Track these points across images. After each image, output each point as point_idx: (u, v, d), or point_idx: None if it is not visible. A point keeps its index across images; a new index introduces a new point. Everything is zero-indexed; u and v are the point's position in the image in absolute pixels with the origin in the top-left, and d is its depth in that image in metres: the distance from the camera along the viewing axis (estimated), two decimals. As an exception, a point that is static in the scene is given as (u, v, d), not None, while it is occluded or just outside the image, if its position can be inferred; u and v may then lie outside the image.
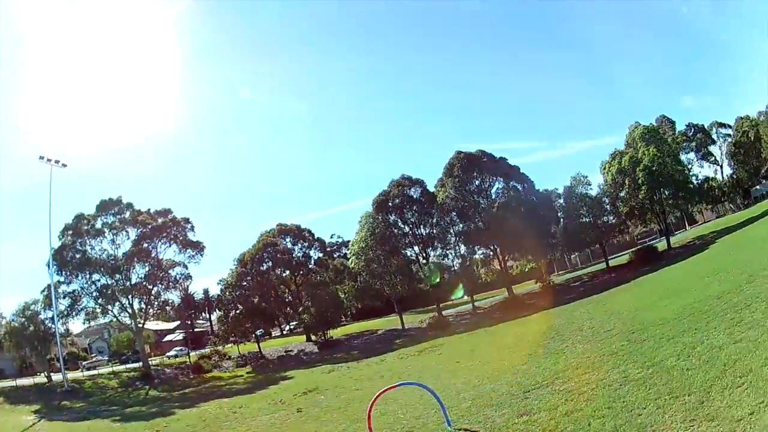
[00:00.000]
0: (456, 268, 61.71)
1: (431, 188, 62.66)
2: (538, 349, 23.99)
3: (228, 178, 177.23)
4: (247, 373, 53.74)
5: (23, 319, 60.78)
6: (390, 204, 60.74)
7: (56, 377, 55.95)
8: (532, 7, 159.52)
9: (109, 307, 62.70)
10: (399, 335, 57.60)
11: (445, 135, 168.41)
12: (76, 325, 67.08)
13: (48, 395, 49.82)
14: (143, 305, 64.71)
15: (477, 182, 61.06)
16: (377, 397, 14.90)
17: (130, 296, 61.93)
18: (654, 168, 60.44)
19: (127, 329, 68.95)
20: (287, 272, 67.17)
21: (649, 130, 65.69)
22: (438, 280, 59.99)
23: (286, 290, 68.22)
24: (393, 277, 58.70)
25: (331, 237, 77.28)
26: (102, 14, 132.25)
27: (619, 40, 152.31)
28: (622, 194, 63.80)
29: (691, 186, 65.78)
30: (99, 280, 61.68)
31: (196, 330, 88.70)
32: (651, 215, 64.85)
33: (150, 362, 64.76)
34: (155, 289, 64.95)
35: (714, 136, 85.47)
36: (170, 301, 69.01)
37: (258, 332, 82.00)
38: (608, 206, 63.73)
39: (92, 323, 66.42)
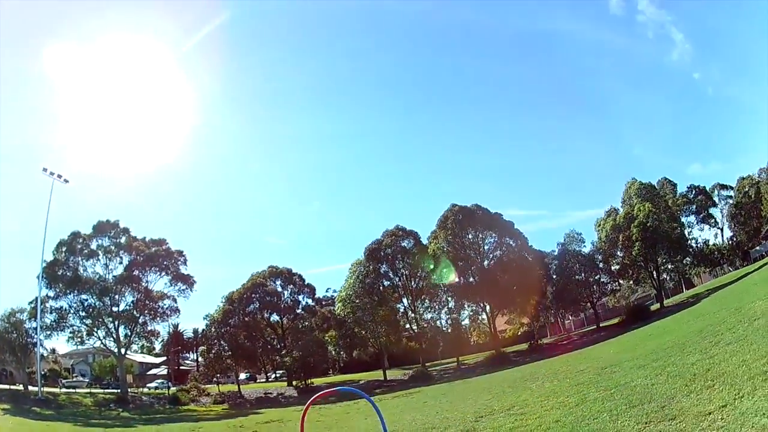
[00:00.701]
0: (445, 328, 59.40)
1: (425, 241, 60.53)
2: (506, 388, 24.27)
3: (227, 222, 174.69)
4: (223, 409, 52.24)
5: (7, 325, 59.16)
6: (382, 253, 59.14)
7: (34, 389, 54.70)
8: (540, 67, 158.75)
9: (95, 329, 61.05)
10: (380, 385, 55.73)
11: (443, 195, 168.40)
12: (62, 346, 67.20)
13: (21, 399, 49.52)
14: (128, 332, 62.86)
15: (470, 236, 59.14)
16: (313, 400, 13.26)
17: (116, 321, 60.32)
18: (648, 224, 58.76)
19: (110, 354, 66.81)
20: (274, 315, 65.06)
21: (646, 186, 64.34)
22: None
23: (272, 333, 66.02)
24: (378, 326, 56.56)
25: (326, 291, 75.25)
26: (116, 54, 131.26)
27: (629, 102, 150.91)
28: (616, 252, 61.24)
29: (689, 246, 63.26)
30: (87, 301, 60.23)
31: (181, 368, 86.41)
32: (645, 274, 62.23)
33: (129, 389, 62.57)
34: (142, 318, 62.93)
35: (715, 199, 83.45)
36: (156, 332, 66.18)
37: (243, 376, 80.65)
38: (601, 263, 61.39)
39: (77, 345, 64.39)
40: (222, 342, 61.11)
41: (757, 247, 76.24)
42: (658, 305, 59.26)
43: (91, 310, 59.53)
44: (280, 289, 64.98)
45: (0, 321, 58.86)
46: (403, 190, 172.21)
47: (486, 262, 59.07)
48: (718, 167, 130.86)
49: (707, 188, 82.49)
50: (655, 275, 63.25)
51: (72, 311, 59.29)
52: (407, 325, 58.87)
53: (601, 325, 60.84)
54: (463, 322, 62.85)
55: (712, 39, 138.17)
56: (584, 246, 62.27)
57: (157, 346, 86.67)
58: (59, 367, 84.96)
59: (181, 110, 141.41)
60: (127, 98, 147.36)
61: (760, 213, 76.78)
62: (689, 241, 66.14)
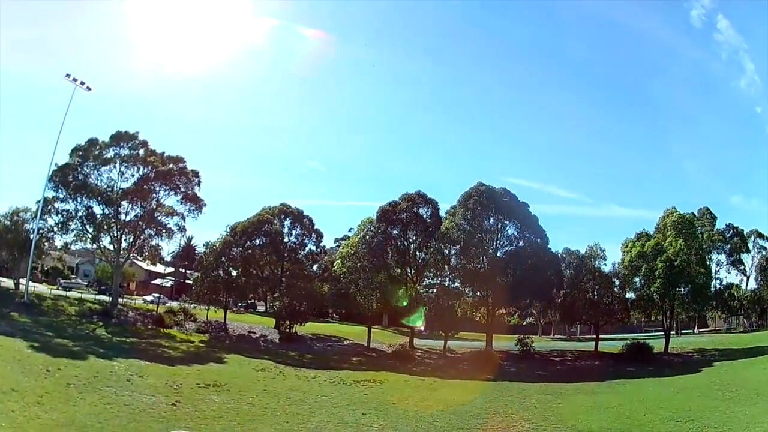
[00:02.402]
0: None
1: (444, 213, 55.29)
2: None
3: (256, 140, 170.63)
4: (200, 341, 48.97)
5: (8, 223, 58.90)
6: (395, 217, 53.93)
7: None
8: (609, 57, 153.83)
9: (100, 234, 60.32)
10: (360, 353, 51.91)
11: (471, 156, 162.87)
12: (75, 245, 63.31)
13: (3, 300, 48.96)
14: (129, 243, 61.43)
15: (491, 220, 53.46)
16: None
17: (121, 231, 59.06)
18: (676, 263, 52.98)
19: (106, 261, 64.24)
20: (273, 254, 60.64)
21: (684, 219, 57.73)
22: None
23: (270, 273, 61.73)
24: (373, 292, 51.76)
25: (336, 241, 70.30)
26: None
27: (688, 113, 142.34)
28: (635, 280, 55.27)
29: (710, 291, 57.23)
30: (91, 207, 59.09)
31: (187, 281, 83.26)
32: (658, 311, 56.38)
33: (122, 300, 62.27)
34: (147, 231, 61.73)
35: (750, 245, 77.28)
36: (159, 247, 65.51)
37: (243, 303, 77.37)
38: (617, 288, 55.46)
39: (81, 244, 62.79)
40: (218, 272, 56.78)
41: None
42: (662, 347, 54.03)
43: (95, 216, 58.61)
44: (287, 229, 60.14)
45: (2, 218, 58.74)
46: (431, 147, 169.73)
47: (499, 252, 53.39)
48: (760, 207, 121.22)
49: (745, 232, 75.42)
50: (668, 314, 57.46)
51: (77, 216, 58.28)
52: (405, 296, 53.24)
53: (599, 350, 55.38)
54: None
55: None
56: (604, 264, 56.23)
57: (168, 257, 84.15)
58: (63, 265, 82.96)
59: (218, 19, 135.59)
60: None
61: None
62: (713, 281, 59.52)
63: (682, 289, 54.70)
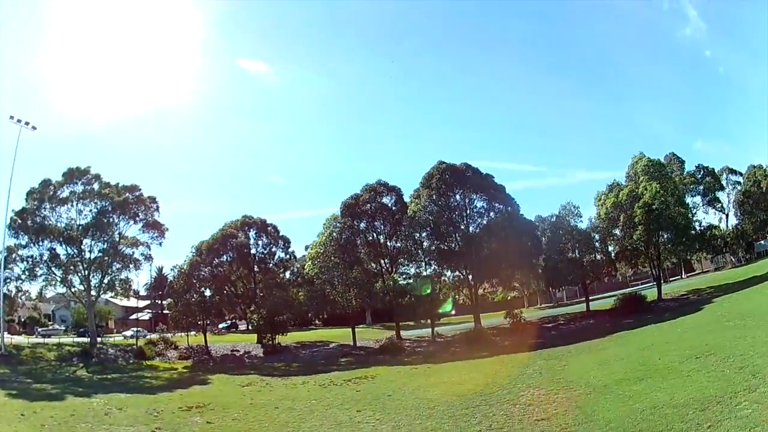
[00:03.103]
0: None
1: (408, 199, 51.50)
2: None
3: (214, 161, 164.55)
4: (184, 367, 45.77)
5: None
6: (359, 209, 50.13)
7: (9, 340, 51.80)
8: (551, 23, 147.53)
9: (69, 276, 57.07)
10: (348, 353, 48.50)
11: (433, 145, 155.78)
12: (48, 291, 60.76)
13: None
14: (99, 281, 57.91)
15: (458, 197, 49.85)
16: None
17: (87, 269, 55.86)
18: (654, 206, 50.35)
19: (79, 302, 60.58)
20: (242, 268, 56.46)
21: (654, 164, 55.10)
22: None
23: (242, 287, 57.58)
24: (348, 289, 47.85)
25: (306, 248, 66.15)
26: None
27: (640, 70, 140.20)
28: (615, 231, 51.74)
29: (693, 232, 53.88)
30: (54, 249, 55.74)
31: (164, 311, 78.93)
32: (644, 259, 52.88)
33: (102, 339, 58.98)
34: (115, 265, 58.10)
35: (723, 182, 75.86)
36: (129, 280, 61.13)
37: (223, 324, 73.39)
38: (598, 243, 51.97)
39: (52, 290, 60.53)
40: (190, 294, 52.73)
41: (762, 241, 70.56)
42: (656, 293, 51.20)
43: (60, 258, 55.48)
44: (253, 240, 56.14)
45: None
46: (389, 143, 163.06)
47: (471, 228, 49.81)
48: (723, 148, 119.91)
49: (716, 170, 73.00)
50: (655, 262, 54.76)
51: (42, 260, 55.18)
52: (383, 289, 49.32)
53: (591, 308, 52.53)
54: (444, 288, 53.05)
55: (725, 20, 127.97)
56: (581, 221, 52.89)
57: (141, 290, 79.91)
58: (39, 314, 78.95)
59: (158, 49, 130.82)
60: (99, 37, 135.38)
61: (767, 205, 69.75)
62: (693, 224, 56.14)
63: (665, 234, 52.35)
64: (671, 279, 68.44)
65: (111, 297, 68.24)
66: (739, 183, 76.36)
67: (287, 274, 56.31)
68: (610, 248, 53.94)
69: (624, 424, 13.74)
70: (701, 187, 70.49)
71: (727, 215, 76.94)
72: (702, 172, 70.99)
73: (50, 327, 74.07)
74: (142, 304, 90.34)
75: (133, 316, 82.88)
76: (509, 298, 72.45)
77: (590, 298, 54.59)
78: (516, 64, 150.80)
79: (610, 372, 21.84)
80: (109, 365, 45.94)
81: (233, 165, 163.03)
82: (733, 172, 77.98)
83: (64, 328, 73.33)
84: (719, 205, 73.99)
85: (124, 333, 67.60)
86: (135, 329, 67.64)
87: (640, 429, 13.21)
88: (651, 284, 54.99)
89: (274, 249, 55.96)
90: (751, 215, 72.39)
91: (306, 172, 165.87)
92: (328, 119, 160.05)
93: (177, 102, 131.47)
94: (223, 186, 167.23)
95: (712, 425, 12.16)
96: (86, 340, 56.90)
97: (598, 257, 53.17)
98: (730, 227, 75.24)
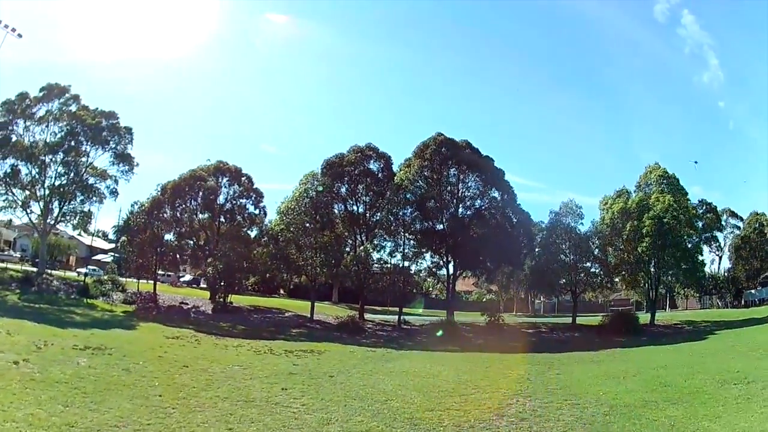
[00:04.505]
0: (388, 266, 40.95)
1: (397, 169, 42.30)
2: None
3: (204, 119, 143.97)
4: (123, 311, 38.26)
5: None
6: (342, 170, 40.73)
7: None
8: (568, 43, 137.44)
9: (30, 201, 48.81)
10: (301, 324, 40.30)
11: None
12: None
13: None
14: (59, 209, 49.72)
15: (452, 172, 40.47)
16: None
17: (47, 195, 47.87)
18: (666, 220, 42.36)
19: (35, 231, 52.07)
20: (207, 214, 46.76)
21: (669, 176, 46.49)
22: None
23: (204, 237, 47.84)
24: (316, 253, 38.29)
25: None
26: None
27: (648, 106, 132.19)
28: (618, 242, 42.59)
29: (699, 262, 45.26)
30: (17, 166, 47.44)
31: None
32: (644, 276, 43.64)
33: (52, 272, 50.13)
34: (79, 196, 49.84)
35: (722, 223, 66.70)
36: (90, 212, 52.03)
37: (189, 276, 63.97)
38: (596, 250, 42.46)
39: (10, 213, 51.58)
40: (146, 235, 43.24)
41: (753, 291, 62.57)
42: (647, 318, 43.68)
43: (20, 178, 47.42)
44: (225, 187, 46.32)
45: None
46: (384, 114, 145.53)
47: (461, 210, 40.34)
48: (719, 197, 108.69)
49: (718, 209, 64.16)
50: (652, 283, 46.80)
51: (1, 177, 47.31)
52: (353, 262, 39.60)
53: (577, 321, 43.96)
54: (420, 274, 43.50)
55: (746, 75, 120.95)
56: (581, 224, 43.51)
57: (111, 233, 69.61)
58: None
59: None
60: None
61: (766, 256, 63.66)
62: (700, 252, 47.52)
63: (672, 257, 43.90)
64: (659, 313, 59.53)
65: (74, 232, 58.79)
66: (738, 227, 70.08)
67: (254, 231, 46.62)
68: (610, 259, 44.11)
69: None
70: (701, 223, 61.35)
71: (720, 258, 71.53)
72: (704, 208, 62.05)
73: (5, 252, 65.37)
74: (107, 246, 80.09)
75: (97, 257, 72.88)
76: (484, 299, 63.17)
77: (566, 314, 45.51)
78: (527, 73, 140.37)
79: (626, 389, 16.29)
80: (46, 296, 39.23)
81: (227, 127, 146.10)
82: (734, 215, 72.51)
83: (19, 255, 64.27)
84: (716, 244, 65.49)
85: (78, 269, 57.84)
86: (92, 268, 59.11)
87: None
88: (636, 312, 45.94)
89: (244, 201, 46.39)
90: (745, 262, 65.65)
91: (301, 144, 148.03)
92: (329, 92, 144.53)
93: (178, 53, 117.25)
94: (214, 146, 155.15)
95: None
96: (31, 269, 49.68)
97: (593, 266, 43.54)
98: (722, 271, 69.71)
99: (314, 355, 24.67)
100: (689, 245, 44.49)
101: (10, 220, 54.55)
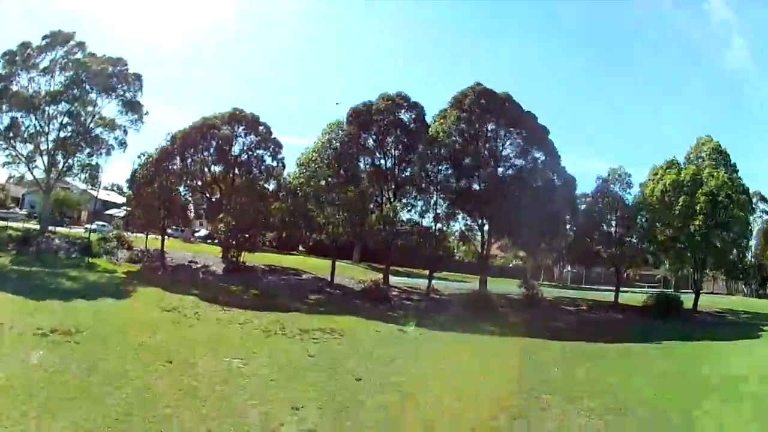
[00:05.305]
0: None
1: (430, 120, 36.05)
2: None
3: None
4: (126, 271, 33.42)
5: None
6: (370, 119, 34.52)
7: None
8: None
9: (35, 156, 43.34)
10: (320, 289, 34.52)
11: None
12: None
13: None
14: (63, 163, 43.95)
15: (490, 127, 33.93)
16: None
17: (50, 147, 42.35)
18: (720, 198, 36.68)
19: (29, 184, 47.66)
20: (221, 166, 40.71)
21: (722, 151, 39.11)
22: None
23: (218, 190, 41.85)
24: (338, 211, 32.31)
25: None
26: None
27: (674, 82, 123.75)
28: (667, 218, 36.55)
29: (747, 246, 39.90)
30: (17, 118, 41.86)
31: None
32: (689, 257, 37.83)
33: (56, 229, 46.18)
34: (86, 149, 43.83)
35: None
36: (97, 165, 45.14)
37: (201, 233, 58.46)
38: (645, 224, 36.29)
39: (14, 168, 45.77)
40: (154, 188, 37.37)
41: None
42: (691, 302, 38.60)
43: (20, 129, 42.01)
44: (240, 139, 40.19)
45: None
46: (413, 69, 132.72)
47: (501, 169, 34.03)
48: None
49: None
50: (697, 264, 40.77)
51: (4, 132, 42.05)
52: (379, 222, 33.66)
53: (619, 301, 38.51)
54: (451, 237, 37.48)
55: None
56: (629, 193, 37.31)
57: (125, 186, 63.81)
58: (3, 195, 69.34)
59: None
60: None
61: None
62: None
63: (725, 235, 38.45)
64: (683, 291, 54.00)
65: (86, 186, 52.85)
66: (766, 212, 64.55)
67: (271, 185, 40.55)
68: (657, 236, 37.92)
69: None
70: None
71: (747, 242, 63.42)
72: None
73: (10, 210, 60.14)
74: (120, 201, 73.98)
75: (111, 211, 67.07)
76: (510, 264, 57.16)
77: (598, 287, 40.38)
78: (552, 47, 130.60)
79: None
80: (44, 257, 35.01)
81: (245, 78, 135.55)
82: (763, 199, 63.86)
83: (26, 213, 58.89)
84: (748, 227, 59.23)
85: (86, 225, 52.20)
86: (100, 223, 54.90)
87: None
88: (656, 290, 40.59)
89: (261, 152, 40.35)
90: (773, 249, 61.94)
91: (323, 97, 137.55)
92: (352, 45, 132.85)
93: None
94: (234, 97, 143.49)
95: None
96: (34, 227, 44.54)
97: (637, 242, 37.41)
98: (749, 256, 61.90)
99: (334, 337, 19.93)
100: (739, 223, 38.55)
101: (23, 176, 47.10)
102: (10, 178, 52.34)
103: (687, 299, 38.25)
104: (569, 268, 58.37)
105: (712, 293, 58.29)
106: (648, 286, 55.07)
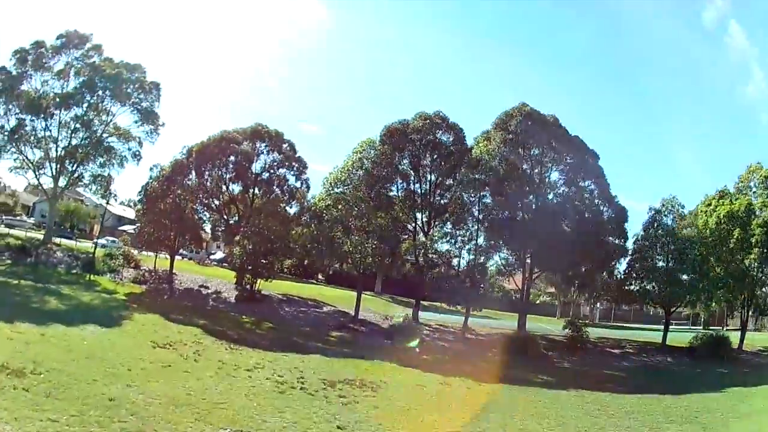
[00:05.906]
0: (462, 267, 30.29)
1: (470, 142, 31.87)
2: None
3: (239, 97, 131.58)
4: (128, 293, 29.35)
5: None
6: (406, 139, 30.03)
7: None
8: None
9: (45, 163, 40.06)
10: (344, 326, 30.43)
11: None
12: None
13: None
14: (72, 171, 40.62)
15: (537, 151, 29.74)
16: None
17: (58, 153, 39.07)
18: None
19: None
20: (240, 184, 36.30)
21: (775, 180, 34.78)
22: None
23: (236, 211, 37.37)
24: (368, 238, 27.80)
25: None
26: None
27: (689, 110, 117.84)
28: (721, 251, 32.11)
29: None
30: (24, 120, 38.31)
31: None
32: (747, 292, 33.57)
33: (61, 241, 41.65)
34: (99, 159, 40.55)
35: None
36: (110, 177, 42.27)
37: (221, 254, 53.93)
38: (698, 258, 31.79)
39: (21, 173, 42.46)
40: (166, 203, 33.05)
41: None
42: (737, 341, 33.37)
43: (25, 132, 38.54)
44: (262, 156, 35.84)
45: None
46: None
47: (551, 197, 29.52)
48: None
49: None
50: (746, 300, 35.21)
51: (5, 132, 38.63)
52: (409, 252, 29.11)
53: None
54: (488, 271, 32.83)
55: None
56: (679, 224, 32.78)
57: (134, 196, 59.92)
58: (14, 202, 66.59)
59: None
60: None
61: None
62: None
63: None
64: (711, 327, 49.31)
65: (101, 200, 49.38)
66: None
67: (293, 207, 36.19)
68: (710, 271, 33.32)
69: None
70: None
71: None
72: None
73: (17, 217, 56.97)
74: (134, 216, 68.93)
75: (124, 227, 62.28)
76: (537, 301, 52.43)
77: (630, 326, 36.73)
78: (566, 78, 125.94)
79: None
80: (41, 270, 31.75)
81: (265, 104, 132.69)
82: None
83: (34, 221, 54.80)
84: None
85: (97, 240, 47.70)
86: (111, 239, 50.75)
87: None
88: (686, 328, 40.49)
89: (284, 171, 35.99)
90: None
91: (344, 123, 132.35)
92: (376, 72, 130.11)
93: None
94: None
95: None
96: (37, 237, 41.44)
97: (690, 277, 32.87)
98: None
99: (367, 392, 15.60)
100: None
101: (39, 185, 44.24)
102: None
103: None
104: (598, 305, 53.30)
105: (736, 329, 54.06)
106: (674, 323, 50.65)
